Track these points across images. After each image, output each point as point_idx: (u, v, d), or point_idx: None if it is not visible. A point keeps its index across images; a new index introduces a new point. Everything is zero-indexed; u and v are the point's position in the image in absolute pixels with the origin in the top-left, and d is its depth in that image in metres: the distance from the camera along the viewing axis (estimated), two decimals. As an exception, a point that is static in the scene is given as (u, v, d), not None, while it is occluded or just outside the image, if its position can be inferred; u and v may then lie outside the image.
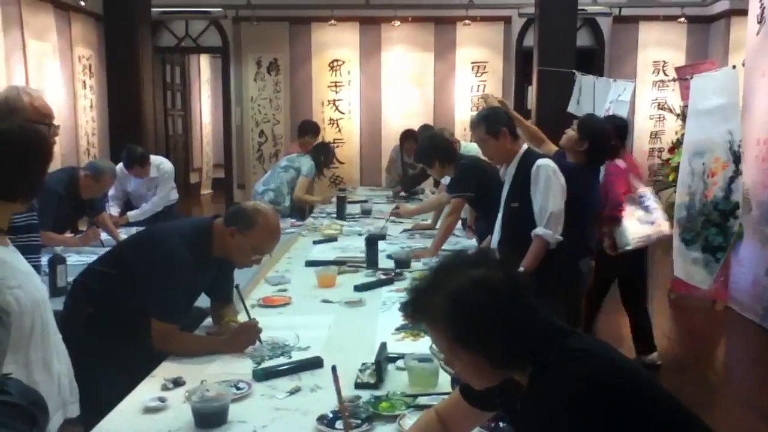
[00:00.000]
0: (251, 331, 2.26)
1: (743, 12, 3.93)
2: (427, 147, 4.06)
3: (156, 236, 2.38)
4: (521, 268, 2.88)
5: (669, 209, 5.93)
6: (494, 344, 1.19)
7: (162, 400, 1.86)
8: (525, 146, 3.13)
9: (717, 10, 8.40)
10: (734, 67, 3.81)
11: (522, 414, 1.27)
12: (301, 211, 5.58)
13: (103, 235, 4.16)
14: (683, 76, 5.81)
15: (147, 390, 1.95)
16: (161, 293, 2.21)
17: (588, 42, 8.83)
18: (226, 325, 2.41)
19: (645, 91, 8.59)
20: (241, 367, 2.12)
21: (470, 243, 4.07)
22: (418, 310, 1.26)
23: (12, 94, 2.16)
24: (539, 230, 2.89)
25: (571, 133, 3.39)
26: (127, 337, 2.24)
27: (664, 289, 5.82)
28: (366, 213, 5.31)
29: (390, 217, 4.72)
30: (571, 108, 6.20)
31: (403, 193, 6.37)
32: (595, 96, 5.32)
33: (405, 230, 4.58)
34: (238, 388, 1.93)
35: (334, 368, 1.68)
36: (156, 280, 2.20)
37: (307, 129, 6.21)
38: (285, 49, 8.84)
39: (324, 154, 5.75)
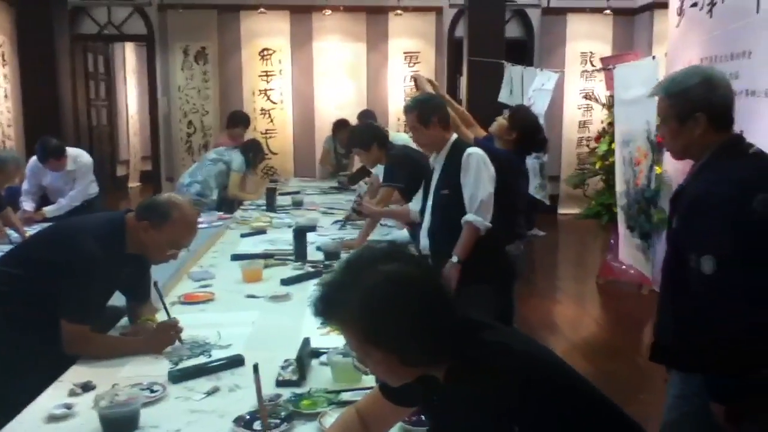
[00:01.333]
0: (170, 330, 2.15)
1: (665, 5, 4.03)
2: (364, 130, 4.02)
3: (65, 233, 2.24)
4: (454, 258, 2.88)
5: (596, 196, 6.09)
6: (407, 342, 1.14)
7: (68, 406, 1.74)
8: (455, 135, 3.12)
9: (641, 2, 8.63)
10: (654, 57, 3.89)
11: (440, 409, 1.23)
12: (228, 203, 5.43)
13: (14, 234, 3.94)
14: (607, 66, 5.94)
15: (53, 396, 1.83)
16: (71, 293, 2.08)
17: (518, 33, 8.93)
18: (143, 325, 2.29)
19: (573, 81, 8.76)
20: (156, 368, 2.02)
21: (401, 233, 4.04)
22: (328, 308, 1.19)
23: None
24: (469, 217, 2.89)
25: (501, 121, 3.42)
26: (41, 339, 2.10)
27: (592, 276, 5.97)
28: (297, 204, 5.21)
29: (347, 221, 4.26)
30: (503, 98, 6.26)
31: (338, 184, 6.27)
32: (524, 86, 5.37)
33: (337, 221, 4.51)
34: (152, 391, 1.83)
35: (255, 367, 1.61)
36: (66, 280, 2.07)
37: (237, 120, 6.07)
38: (213, 37, 8.59)
39: (254, 152, 5.63)
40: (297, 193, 5.75)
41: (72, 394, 1.84)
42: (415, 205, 3.40)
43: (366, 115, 6.43)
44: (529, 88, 5.23)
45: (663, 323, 1.89)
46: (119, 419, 1.61)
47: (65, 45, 6.05)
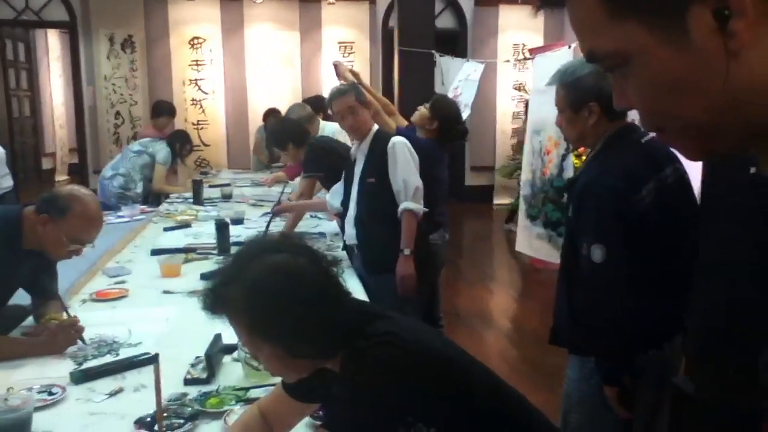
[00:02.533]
0: (70, 329, 2.05)
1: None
2: (279, 130, 3.92)
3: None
4: (406, 251, 2.87)
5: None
6: (294, 334, 1.11)
7: (-45, 414, 1.63)
8: (376, 126, 3.11)
9: (570, -5, 8.79)
10: (570, 47, 3.95)
11: (338, 402, 1.20)
12: (156, 196, 5.27)
13: None
14: (534, 56, 6.03)
15: (-59, 403, 1.71)
16: None
17: (451, 24, 8.98)
18: (46, 324, 2.18)
19: (506, 72, 8.86)
20: (58, 369, 1.92)
21: (331, 225, 3.99)
22: (216, 302, 1.15)
23: None
24: (409, 205, 2.88)
25: (423, 110, 3.42)
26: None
27: (524, 264, 6.06)
28: (226, 197, 5.10)
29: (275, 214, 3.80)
30: (436, 88, 6.26)
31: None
32: (451, 76, 5.40)
33: (265, 213, 4.42)
34: (50, 394, 1.74)
35: (154, 362, 1.54)
36: None
37: (161, 110, 5.89)
38: (140, 24, 8.31)
39: (180, 143, 5.46)
40: (227, 185, 5.62)
41: (-37, 400, 1.73)
42: (333, 197, 3.36)
43: (271, 114, 6.39)
44: (452, 76, 5.25)
45: (560, 308, 1.93)
46: (8, 425, 1.51)
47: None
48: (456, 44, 8.62)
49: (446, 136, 3.41)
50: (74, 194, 2.11)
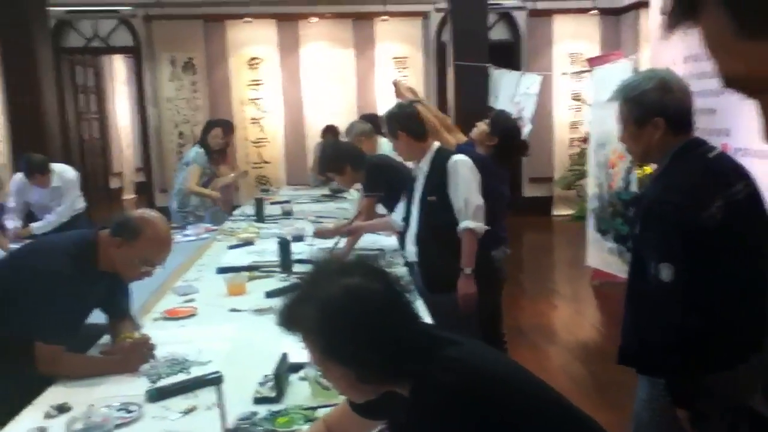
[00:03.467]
0: (142, 348, 2.12)
1: (650, 4, 4.04)
2: (334, 156, 3.86)
3: (38, 253, 2.22)
4: (467, 270, 2.87)
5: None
6: (364, 359, 1.12)
7: (42, 430, 1.72)
8: (437, 143, 3.12)
9: (626, 2, 8.65)
10: (631, 59, 3.89)
11: (402, 426, 1.21)
12: (218, 216, 5.36)
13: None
14: (592, 67, 5.95)
15: (28, 419, 1.81)
16: (41, 313, 2.06)
17: (505, 36, 8.94)
18: (120, 343, 2.27)
19: (562, 83, 8.77)
20: (133, 387, 1.99)
21: (390, 241, 4.01)
22: (291, 320, 1.18)
23: None
24: (469, 224, 2.88)
25: (482, 126, 3.41)
26: (20, 361, 2.07)
27: (586, 278, 5.94)
28: (287, 214, 5.18)
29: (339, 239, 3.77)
30: (491, 102, 6.24)
31: (329, 191, 6.25)
32: (505, 89, 5.37)
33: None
34: (128, 411, 1.81)
35: (218, 385, 1.60)
36: (35, 300, 2.05)
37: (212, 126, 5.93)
38: (200, 47, 8.59)
39: (206, 129, 5.27)
40: (287, 202, 5.72)
41: (47, 416, 1.81)
42: (396, 215, 3.39)
43: (329, 131, 6.36)
44: (512, 91, 5.22)
45: (628, 326, 1.89)
46: (91, 443, 1.59)
47: (48, 57, 6.01)
48: (510, 56, 8.58)
49: (506, 152, 3.39)
50: (145, 218, 2.21)
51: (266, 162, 8.78)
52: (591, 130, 4.39)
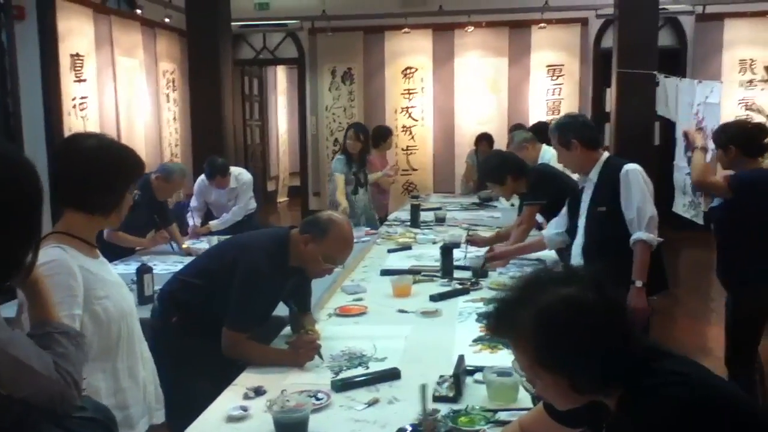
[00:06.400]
0: (308, 345, 2.26)
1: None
2: (496, 166, 3.90)
3: (240, 248, 2.44)
4: (638, 282, 2.81)
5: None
6: (579, 369, 1.14)
7: (244, 409, 1.90)
8: (606, 153, 3.07)
9: (812, 3, 7.94)
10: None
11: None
12: (372, 220, 5.54)
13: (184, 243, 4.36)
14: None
15: (229, 398, 2.00)
16: (239, 304, 2.27)
17: (670, 42, 8.50)
18: (304, 335, 2.44)
19: (731, 91, 8.17)
20: (320, 377, 2.14)
21: (549, 254, 3.95)
22: (502, 324, 1.22)
23: None
24: (642, 235, 2.81)
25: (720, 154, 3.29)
26: (212, 345, 2.30)
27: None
28: (440, 221, 5.28)
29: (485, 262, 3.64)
30: (661, 111, 5.92)
31: (478, 200, 6.29)
32: (678, 98, 5.10)
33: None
34: (317, 399, 1.95)
35: (423, 387, 1.69)
36: (236, 291, 2.26)
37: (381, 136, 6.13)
38: (359, 58, 8.94)
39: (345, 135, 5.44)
40: (439, 209, 5.82)
41: (246, 397, 2.00)
42: (548, 231, 3.36)
43: (483, 139, 6.25)
44: (684, 100, 4.94)
45: None
46: (292, 423, 1.73)
47: (228, 69, 6.55)
48: (676, 63, 8.14)
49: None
50: (333, 218, 2.38)
51: (414, 169, 8.96)
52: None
